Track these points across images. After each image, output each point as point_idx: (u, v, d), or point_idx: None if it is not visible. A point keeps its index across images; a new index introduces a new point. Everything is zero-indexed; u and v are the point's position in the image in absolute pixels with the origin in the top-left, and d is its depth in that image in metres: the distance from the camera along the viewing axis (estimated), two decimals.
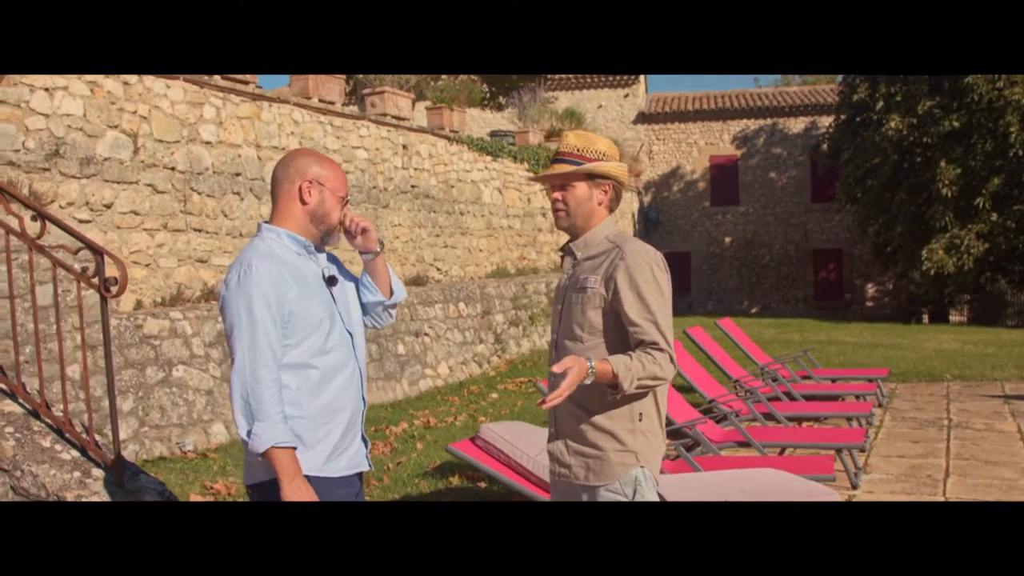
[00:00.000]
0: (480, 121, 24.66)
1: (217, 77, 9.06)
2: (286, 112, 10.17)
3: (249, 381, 2.61)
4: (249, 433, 2.59)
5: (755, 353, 10.00)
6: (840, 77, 26.50)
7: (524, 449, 5.14)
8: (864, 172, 22.59)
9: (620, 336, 2.96)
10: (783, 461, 6.02)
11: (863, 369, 10.81)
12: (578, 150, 3.07)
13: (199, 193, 8.81)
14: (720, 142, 28.98)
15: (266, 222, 2.86)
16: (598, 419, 2.98)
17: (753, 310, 28.29)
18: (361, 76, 14.23)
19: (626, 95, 29.28)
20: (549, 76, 23.05)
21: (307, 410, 2.73)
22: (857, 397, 8.65)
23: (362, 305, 3.04)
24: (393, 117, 12.47)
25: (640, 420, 2.98)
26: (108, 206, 7.80)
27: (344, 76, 11.34)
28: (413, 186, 12.93)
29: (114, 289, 3.76)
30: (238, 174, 9.34)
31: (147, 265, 8.21)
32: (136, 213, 8.09)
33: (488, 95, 18.52)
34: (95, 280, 3.81)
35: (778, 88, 34.24)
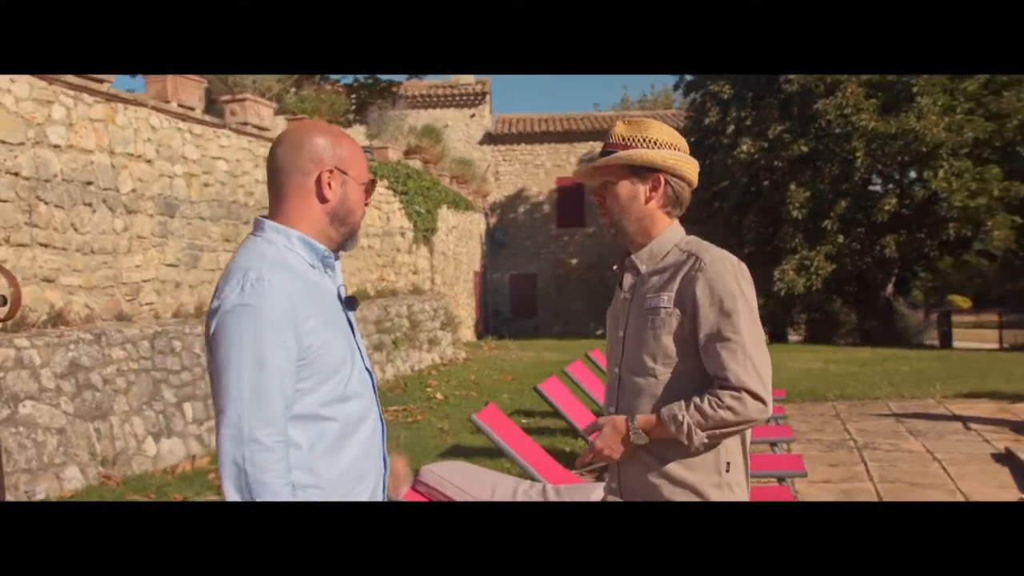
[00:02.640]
0: None
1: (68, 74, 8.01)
2: (143, 116, 9.14)
3: (247, 440, 1.85)
4: None
5: None
6: (677, 102, 26.89)
7: (476, 495, 4.47)
8: (712, 195, 22.93)
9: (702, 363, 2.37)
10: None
11: None
12: (623, 139, 2.46)
13: (46, 203, 7.72)
14: (567, 164, 28.96)
15: (267, 218, 2.09)
16: (675, 469, 2.36)
17: (599, 332, 28.30)
18: (212, 83, 13.16)
19: (472, 115, 28.93)
20: (401, 94, 22.35)
21: (323, 477, 1.98)
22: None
23: None
24: (254, 127, 11.54)
25: (727, 471, 2.38)
26: None
27: (203, 80, 10.35)
28: None
29: (2, 311, 2.90)
30: (90, 183, 8.27)
31: None
32: None
33: (353, 107, 17.64)
34: None
35: (620, 112, 34.62)
